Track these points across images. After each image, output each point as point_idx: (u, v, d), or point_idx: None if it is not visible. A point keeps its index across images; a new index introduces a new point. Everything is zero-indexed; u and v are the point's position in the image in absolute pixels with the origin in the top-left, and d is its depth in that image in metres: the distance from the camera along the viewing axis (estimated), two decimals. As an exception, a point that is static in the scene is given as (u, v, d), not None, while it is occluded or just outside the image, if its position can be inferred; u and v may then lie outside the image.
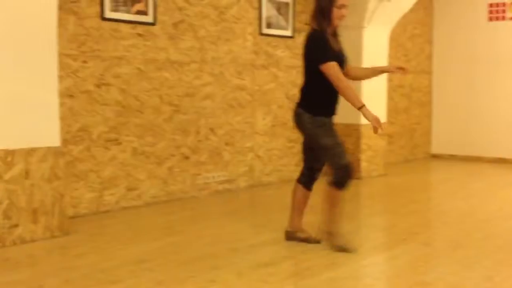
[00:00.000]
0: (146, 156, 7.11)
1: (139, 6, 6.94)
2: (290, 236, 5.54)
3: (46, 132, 5.50)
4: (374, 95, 9.29)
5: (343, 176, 5.09)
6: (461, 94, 11.86)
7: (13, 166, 5.24)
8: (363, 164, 9.27)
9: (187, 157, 7.56)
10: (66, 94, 6.28)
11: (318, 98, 5.18)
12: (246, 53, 8.31)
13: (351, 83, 5.14)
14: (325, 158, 5.25)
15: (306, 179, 5.52)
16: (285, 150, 9.01)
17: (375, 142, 9.50)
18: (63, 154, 5.74)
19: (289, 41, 8.96)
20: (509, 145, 11.38)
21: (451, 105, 12.01)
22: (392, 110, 10.90)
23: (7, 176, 5.20)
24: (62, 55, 6.07)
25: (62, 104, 6.03)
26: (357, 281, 4.65)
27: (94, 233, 5.84)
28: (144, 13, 7.00)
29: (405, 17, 10.23)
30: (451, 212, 7.02)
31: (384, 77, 9.23)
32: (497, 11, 11.42)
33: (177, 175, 7.47)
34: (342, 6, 5.10)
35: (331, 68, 5.02)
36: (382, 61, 9.22)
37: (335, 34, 5.24)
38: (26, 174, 5.33)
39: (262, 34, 8.53)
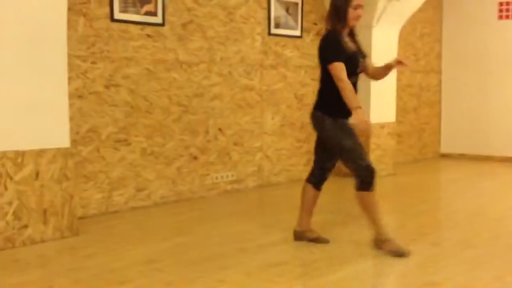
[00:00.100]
0: (155, 157, 7.12)
1: (148, 7, 6.95)
2: (299, 236, 5.53)
3: (56, 133, 5.52)
4: (384, 94, 9.29)
5: (367, 176, 5.05)
6: (471, 93, 11.82)
7: (23, 167, 5.26)
8: (372, 164, 9.25)
9: (195, 157, 7.58)
10: (75, 95, 6.30)
11: (335, 99, 5.11)
12: (254, 53, 8.31)
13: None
14: (345, 160, 5.20)
15: (317, 179, 5.51)
16: (294, 150, 9.01)
17: (384, 142, 9.49)
18: (72, 155, 5.77)
19: (298, 41, 8.96)
20: (519, 144, 11.36)
21: (461, 104, 11.98)
22: (401, 109, 10.88)
23: (17, 177, 5.22)
24: (71, 56, 6.10)
25: (71, 105, 6.05)
26: (366, 281, 4.65)
27: (103, 234, 5.86)
28: (153, 14, 7.01)
29: (414, 16, 10.21)
30: (461, 212, 7.00)
31: (393, 76, 9.21)
32: (507, 9, 11.38)
33: (186, 175, 7.48)
34: (358, 6, 5.08)
35: (335, 68, 5.01)
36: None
37: (352, 34, 5.23)
38: (36, 175, 5.35)
39: (270, 34, 8.53)
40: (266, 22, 8.46)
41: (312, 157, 9.14)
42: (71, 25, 6.10)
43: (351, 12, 5.07)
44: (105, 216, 6.54)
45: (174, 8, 7.23)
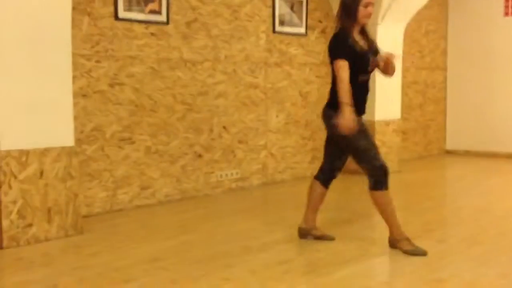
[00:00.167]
0: (159, 155, 7.12)
1: (152, 6, 6.95)
2: (304, 233, 5.52)
3: (60, 132, 5.52)
4: (389, 91, 9.27)
5: (380, 175, 5.04)
6: (476, 90, 11.78)
7: (27, 166, 5.26)
8: (378, 161, 9.24)
9: (200, 156, 7.57)
10: (80, 94, 6.30)
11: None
12: (259, 51, 8.30)
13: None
14: (359, 160, 5.16)
15: (326, 177, 5.49)
16: (298, 148, 9.00)
17: (389, 139, 9.48)
18: (76, 153, 5.77)
19: (303, 39, 8.95)
20: (525, 141, 11.33)
21: (466, 101, 11.95)
22: (407, 106, 10.86)
23: (21, 176, 5.22)
24: (76, 55, 6.10)
25: (75, 104, 6.05)
26: (372, 279, 4.64)
27: (107, 232, 5.86)
28: (157, 12, 7.01)
29: (419, 13, 10.18)
30: (466, 209, 6.98)
31: (398, 73, 9.18)
32: (513, 6, 11.36)
33: (190, 173, 7.48)
34: (369, 4, 5.04)
35: (336, 65, 5.01)
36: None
37: (363, 32, 5.19)
38: (40, 174, 5.35)
39: (275, 32, 8.52)
40: (271, 20, 8.45)
41: (317, 155, 9.23)
42: (75, 24, 6.10)
43: (362, 10, 5.03)
44: (110, 215, 6.54)
45: (178, 6, 7.23)
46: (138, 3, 6.81)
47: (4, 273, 4.65)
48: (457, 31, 12.01)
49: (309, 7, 8.96)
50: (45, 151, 5.38)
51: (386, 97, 9.31)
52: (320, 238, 5.47)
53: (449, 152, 12.18)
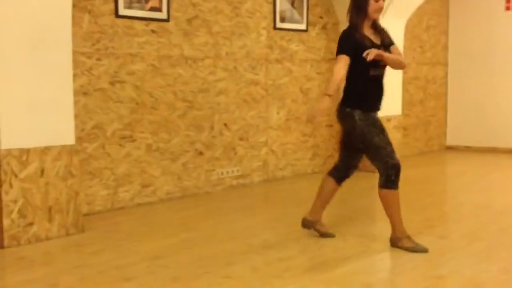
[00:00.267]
0: (160, 153, 7.12)
1: (153, 3, 6.94)
2: (308, 224, 5.50)
3: (61, 131, 5.52)
4: (390, 87, 9.19)
5: (392, 174, 5.03)
6: (477, 85, 11.76)
7: (28, 165, 5.26)
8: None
9: (201, 153, 7.57)
10: (80, 92, 6.30)
11: (362, 92, 5.11)
12: (260, 47, 8.30)
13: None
14: (373, 157, 5.14)
15: (341, 175, 5.47)
16: (299, 144, 8.99)
17: (390, 135, 9.36)
18: (77, 152, 5.77)
19: (303, 35, 8.94)
20: (525, 136, 11.33)
21: (467, 96, 11.93)
22: (407, 102, 10.84)
23: (22, 175, 5.22)
24: (76, 53, 6.09)
25: (76, 102, 6.05)
26: (373, 275, 4.65)
27: (109, 230, 5.86)
28: (158, 9, 7.00)
29: (420, 8, 10.17)
30: (467, 205, 6.99)
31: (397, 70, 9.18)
32: (514, 0, 11.34)
33: (191, 171, 7.48)
34: None
35: (336, 59, 5.02)
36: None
37: (375, 27, 5.16)
38: (41, 172, 5.35)
39: (276, 28, 8.51)
40: (272, 16, 8.44)
41: (318, 151, 9.24)
42: (75, 21, 6.10)
43: (373, 4, 5.02)
44: (111, 213, 6.54)
45: (179, 3, 7.22)
46: (139, 0, 6.80)
47: (5, 272, 4.66)
48: (458, 26, 11.98)
49: (309, 3, 8.94)
50: (45, 150, 5.38)
51: (387, 93, 9.25)
52: (322, 234, 5.47)
53: (449, 148, 12.17)
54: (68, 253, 5.14)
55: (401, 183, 5.11)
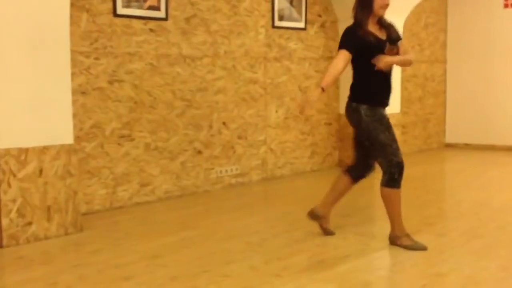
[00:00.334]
0: (159, 152, 7.12)
1: (151, 2, 6.93)
2: (314, 217, 5.48)
3: (59, 130, 5.51)
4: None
5: (396, 173, 5.01)
6: (476, 83, 11.77)
7: (26, 165, 5.26)
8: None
9: (200, 152, 7.57)
10: (78, 91, 6.29)
11: (368, 87, 5.08)
12: (258, 46, 8.29)
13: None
14: (377, 154, 5.13)
15: (357, 174, 5.40)
16: (298, 143, 8.99)
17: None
18: (76, 151, 5.77)
19: (302, 33, 8.93)
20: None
21: (465, 94, 11.94)
22: (406, 100, 10.84)
23: (20, 175, 5.22)
24: (74, 52, 6.09)
25: (74, 101, 6.05)
26: (371, 273, 4.65)
27: (107, 230, 5.86)
28: (156, 8, 7.00)
29: (419, 6, 10.17)
30: (466, 202, 6.99)
31: (398, 67, 9.18)
32: (512, -2, 11.35)
33: (190, 169, 7.48)
34: None
35: (337, 54, 5.00)
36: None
37: (381, 23, 5.12)
38: (40, 172, 5.35)
39: (274, 27, 8.51)
40: (270, 14, 8.44)
41: (316, 150, 9.25)
42: (74, 21, 6.10)
43: (378, 1, 4.99)
44: (109, 212, 6.54)
45: (177, 2, 7.21)
46: (137, -1, 6.81)
47: (4, 271, 4.65)
48: (457, 23, 11.99)
49: (308, 1, 8.94)
50: (44, 149, 5.38)
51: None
52: (324, 230, 5.46)
53: (448, 146, 12.17)
54: (67, 252, 5.13)
55: (400, 181, 5.10)
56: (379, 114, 5.07)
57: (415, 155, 11.00)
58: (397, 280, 4.47)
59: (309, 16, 8.99)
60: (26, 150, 5.26)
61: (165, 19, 7.10)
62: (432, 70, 11.77)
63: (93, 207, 6.50)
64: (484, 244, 5.23)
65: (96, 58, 6.48)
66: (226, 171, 7.91)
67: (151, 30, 6.97)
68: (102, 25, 6.51)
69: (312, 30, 9.08)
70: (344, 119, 9.26)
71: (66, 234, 5.54)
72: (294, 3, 8.75)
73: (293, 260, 4.82)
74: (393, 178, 5.02)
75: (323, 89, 4.88)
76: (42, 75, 5.35)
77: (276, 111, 8.61)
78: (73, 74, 5.92)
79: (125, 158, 6.79)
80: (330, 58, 9.26)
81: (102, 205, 6.60)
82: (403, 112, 10.48)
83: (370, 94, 5.07)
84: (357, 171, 5.41)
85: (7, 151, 5.14)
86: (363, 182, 5.47)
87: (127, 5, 6.70)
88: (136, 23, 6.82)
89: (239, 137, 8.09)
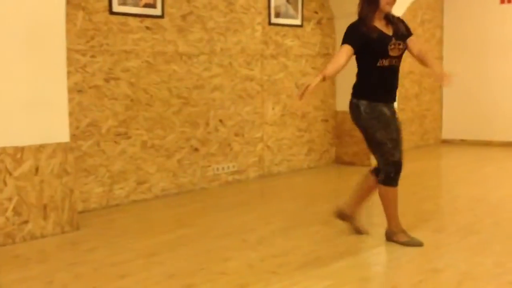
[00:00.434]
0: (155, 149, 7.12)
1: (147, -1, 6.94)
2: (343, 216, 5.44)
3: (55, 128, 5.51)
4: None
5: (392, 172, 5.01)
6: (472, 79, 11.75)
7: (22, 163, 5.26)
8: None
9: (196, 149, 7.57)
10: (75, 90, 6.29)
11: (368, 83, 5.04)
12: (255, 43, 8.29)
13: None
14: (374, 151, 5.13)
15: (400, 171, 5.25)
16: (295, 140, 8.99)
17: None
18: (72, 149, 5.77)
19: (298, 30, 8.93)
20: (519, 129, 11.35)
21: (462, 90, 11.90)
22: (403, 96, 10.85)
23: (16, 173, 5.22)
24: (70, 50, 6.09)
25: (71, 100, 6.05)
26: (368, 269, 4.67)
27: (104, 228, 5.86)
28: (152, 6, 6.99)
29: (415, 2, 10.16)
30: (462, 198, 7.01)
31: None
32: (508, -6, 11.34)
33: (187, 167, 7.48)
34: None
35: (340, 49, 4.94)
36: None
37: (388, 19, 5.08)
38: (36, 170, 5.34)
39: (271, 24, 8.50)
40: (266, 11, 8.44)
41: (313, 147, 9.24)
42: (69, 19, 6.09)
43: None
44: (106, 210, 6.54)
45: (173, -1, 7.22)
46: (133, -3, 6.81)
47: (0, 270, 4.63)
48: (453, 19, 11.98)
49: (304, -2, 8.95)
50: (40, 148, 5.38)
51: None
52: (356, 229, 5.43)
53: (445, 142, 12.18)
54: (63, 250, 5.13)
55: (396, 177, 5.10)
56: (378, 111, 5.03)
57: (412, 151, 10.99)
58: (394, 276, 4.48)
59: (305, 13, 8.99)
60: (22, 149, 5.25)
61: (161, 16, 7.09)
62: (428, 67, 11.75)
63: (89, 205, 6.50)
64: (480, 240, 5.24)
65: (92, 56, 6.48)
66: (223, 168, 7.91)
67: (147, 27, 6.97)
68: (98, 23, 6.50)
69: (308, 27, 9.08)
70: (341, 116, 9.36)
71: (63, 232, 5.54)
72: (290, 0, 8.75)
73: (290, 257, 4.83)
74: (389, 177, 5.03)
75: (324, 78, 4.78)
76: (38, 73, 5.34)
77: (273, 108, 8.61)
78: (69, 72, 5.93)
79: (121, 156, 6.79)
80: (326, 55, 9.27)
81: (98, 203, 6.60)
82: (400, 108, 10.44)
83: (370, 90, 5.04)
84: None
85: (3, 150, 5.13)
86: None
87: (123, 2, 6.70)
88: (132, 21, 6.82)
89: (236, 135, 8.09)
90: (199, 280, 4.29)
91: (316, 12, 9.19)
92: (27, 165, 5.28)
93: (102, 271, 4.49)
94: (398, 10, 9.39)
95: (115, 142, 6.72)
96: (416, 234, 5.19)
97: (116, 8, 6.65)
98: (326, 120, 9.43)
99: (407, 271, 4.53)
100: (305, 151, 9.12)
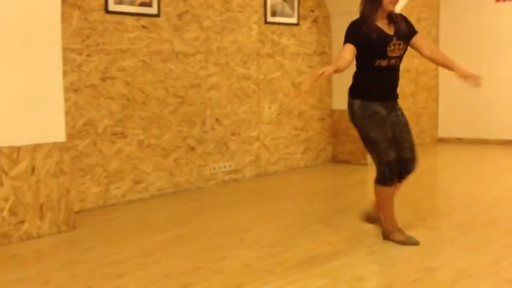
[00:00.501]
0: (152, 149, 7.12)
1: (143, -2, 6.94)
2: (371, 219, 5.41)
3: (51, 128, 5.51)
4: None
5: (387, 171, 5.00)
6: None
7: (18, 163, 5.25)
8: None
9: (193, 148, 7.57)
10: (70, 89, 6.29)
11: (363, 82, 5.03)
12: (251, 42, 8.29)
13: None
14: (369, 150, 5.11)
15: (397, 172, 5.21)
16: (291, 138, 9.00)
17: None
18: (68, 149, 5.77)
19: (295, 29, 8.93)
20: (515, 127, 11.35)
21: (458, 88, 11.85)
22: (399, 95, 10.80)
23: (12, 173, 5.22)
24: (66, 49, 6.08)
25: (67, 99, 6.05)
26: (364, 268, 4.65)
27: (100, 227, 5.86)
28: (148, 4, 6.99)
29: (411, 0, 10.15)
30: (458, 197, 7.01)
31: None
32: (504, -8, 11.34)
33: (183, 166, 7.48)
34: None
35: (342, 48, 4.88)
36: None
37: (390, 18, 5.04)
38: (32, 170, 5.34)
39: (267, 23, 8.50)
40: (263, 10, 8.44)
41: (310, 145, 9.24)
42: (65, 18, 6.09)
43: None
44: (103, 210, 6.55)
45: (168, -2, 7.22)
46: (129, -4, 6.80)
47: (-3, 270, 4.66)
48: (449, 18, 11.98)
49: (300, -3, 8.95)
50: (36, 147, 5.37)
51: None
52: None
53: (441, 140, 12.19)
54: (59, 250, 5.13)
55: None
56: (371, 110, 5.01)
57: (409, 149, 10.99)
58: (390, 275, 4.48)
59: (301, 11, 8.99)
60: (18, 148, 5.25)
61: (157, 15, 7.09)
62: (424, 65, 11.76)
63: (86, 205, 6.50)
64: (476, 238, 5.24)
65: (88, 55, 6.48)
66: (220, 167, 7.92)
67: (143, 26, 6.97)
68: (94, 22, 6.50)
69: (304, 26, 9.08)
70: (337, 115, 9.37)
71: (59, 232, 5.54)
72: (287, -2, 8.75)
73: (286, 256, 4.83)
74: (383, 176, 5.02)
75: (336, 70, 4.60)
76: (34, 72, 5.34)
77: (269, 107, 8.61)
78: (65, 71, 5.92)
79: (118, 156, 6.79)
80: (323, 54, 9.27)
81: (95, 203, 6.60)
82: (396, 107, 10.48)
83: (364, 89, 5.03)
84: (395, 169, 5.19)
85: (-1, 149, 5.14)
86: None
87: (119, 1, 6.70)
88: (128, 20, 6.81)
89: (233, 134, 8.09)
90: (196, 279, 4.29)
91: (312, 11, 9.19)
92: (23, 165, 5.28)
93: (99, 271, 4.49)
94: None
95: (111, 141, 6.72)
96: (412, 233, 5.19)
97: (112, 7, 6.65)
98: (323, 119, 9.43)
99: (403, 270, 4.52)
100: (301, 150, 9.12)
